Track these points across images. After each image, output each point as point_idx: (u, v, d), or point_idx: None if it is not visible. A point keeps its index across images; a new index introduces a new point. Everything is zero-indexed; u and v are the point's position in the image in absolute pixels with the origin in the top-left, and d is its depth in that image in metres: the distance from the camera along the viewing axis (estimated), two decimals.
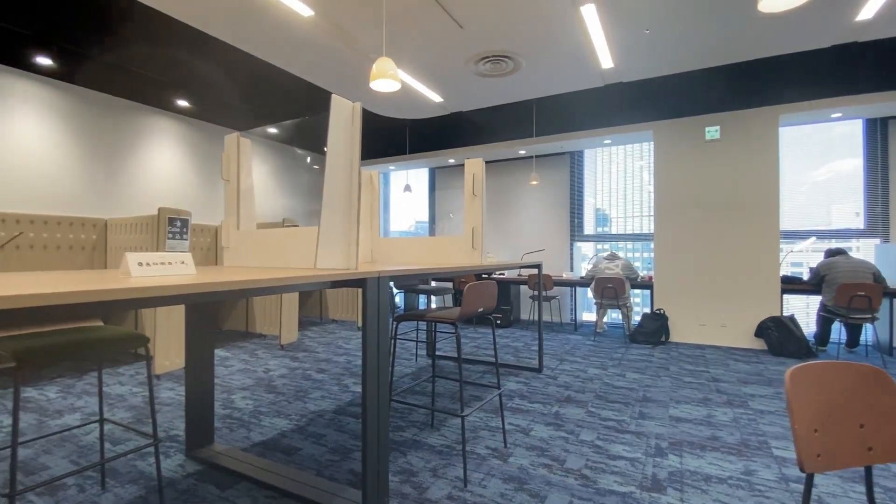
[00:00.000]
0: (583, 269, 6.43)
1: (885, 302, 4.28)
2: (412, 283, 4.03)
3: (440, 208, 7.95)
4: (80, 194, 5.07)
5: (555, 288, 6.23)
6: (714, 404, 2.92)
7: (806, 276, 4.67)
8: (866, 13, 3.48)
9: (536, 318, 6.38)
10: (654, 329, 4.92)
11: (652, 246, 5.40)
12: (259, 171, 7.31)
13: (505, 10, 3.44)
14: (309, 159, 8.31)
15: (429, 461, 2.10)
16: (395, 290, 6.26)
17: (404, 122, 6.54)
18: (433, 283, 6.21)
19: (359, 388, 3.21)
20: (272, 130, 7.13)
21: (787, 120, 4.75)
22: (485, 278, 5.92)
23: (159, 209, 3.38)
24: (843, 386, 0.95)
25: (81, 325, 1.59)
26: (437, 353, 4.36)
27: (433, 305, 7.49)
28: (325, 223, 1.64)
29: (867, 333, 4.60)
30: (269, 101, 5.78)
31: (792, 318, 4.43)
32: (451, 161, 7.15)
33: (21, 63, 4.49)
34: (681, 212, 5.12)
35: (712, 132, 4.94)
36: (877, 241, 4.84)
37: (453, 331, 3.39)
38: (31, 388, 3.14)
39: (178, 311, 3.57)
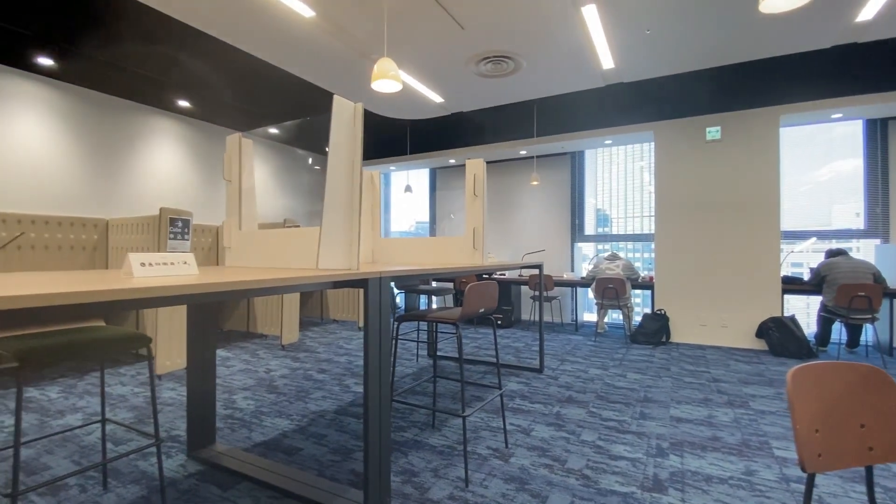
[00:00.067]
0: (584, 269, 6.44)
1: (886, 302, 4.28)
2: (413, 283, 4.04)
3: (440, 209, 7.95)
4: (81, 194, 5.08)
5: (556, 288, 6.23)
6: (715, 405, 2.93)
7: (806, 277, 4.68)
8: (866, 14, 3.48)
9: (537, 318, 6.39)
10: (655, 329, 4.92)
11: (652, 246, 5.40)
12: (260, 172, 7.31)
13: (506, 10, 3.45)
14: (310, 160, 8.31)
15: (430, 461, 2.10)
16: (395, 291, 6.27)
17: (405, 122, 6.55)
18: (434, 284, 6.21)
19: (360, 389, 3.22)
20: (273, 131, 7.14)
21: (787, 120, 4.76)
22: (486, 279, 5.92)
23: (161, 209, 3.38)
24: (845, 386, 0.96)
25: (84, 326, 1.60)
26: (438, 353, 4.36)
27: (434, 306, 7.49)
28: (326, 223, 1.65)
29: (867, 334, 4.61)
30: (270, 101, 5.79)
31: (793, 319, 4.43)
32: (452, 161, 7.16)
33: (21, 63, 4.50)
34: (681, 212, 5.12)
35: (713, 132, 4.94)
36: (877, 241, 4.85)
37: (454, 331, 3.39)
38: (33, 388, 3.15)
39: (180, 312, 3.57)
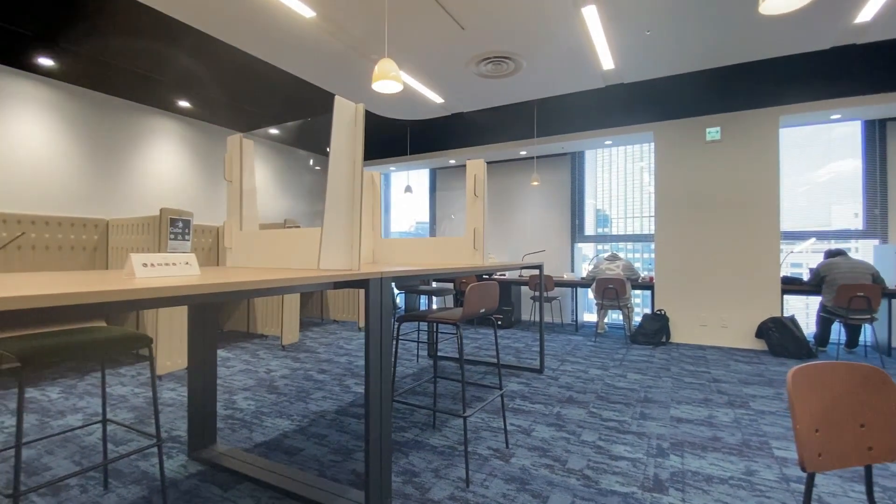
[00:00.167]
0: (584, 269, 6.45)
1: (884, 302, 4.29)
2: (414, 283, 4.04)
3: (440, 209, 7.96)
4: (82, 195, 5.08)
5: (556, 289, 6.24)
6: (715, 405, 2.93)
7: (806, 277, 4.68)
8: (865, 15, 3.49)
9: (537, 318, 6.39)
10: (655, 330, 4.93)
11: (652, 247, 5.41)
12: (261, 172, 7.31)
13: (506, 10, 3.45)
14: (311, 160, 8.32)
15: (431, 462, 2.11)
16: (396, 291, 6.27)
17: (405, 122, 6.55)
18: (434, 284, 6.21)
19: (360, 389, 3.22)
20: (274, 131, 7.14)
21: (786, 121, 4.77)
22: (486, 279, 5.93)
23: (161, 210, 3.38)
24: (844, 386, 0.96)
25: (85, 326, 1.60)
26: (439, 353, 4.37)
27: (434, 306, 7.50)
28: (328, 224, 1.65)
29: (866, 334, 4.62)
30: (270, 101, 5.79)
31: (792, 319, 4.43)
32: (452, 162, 7.16)
33: (21, 63, 4.50)
34: (681, 212, 5.13)
35: (713, 133, 4.95)
36: (875, 241, 4.86)
37: (455, 331, 3.39)
38: (34, 389, 3.14)
39: (180, 312, 3.57)
